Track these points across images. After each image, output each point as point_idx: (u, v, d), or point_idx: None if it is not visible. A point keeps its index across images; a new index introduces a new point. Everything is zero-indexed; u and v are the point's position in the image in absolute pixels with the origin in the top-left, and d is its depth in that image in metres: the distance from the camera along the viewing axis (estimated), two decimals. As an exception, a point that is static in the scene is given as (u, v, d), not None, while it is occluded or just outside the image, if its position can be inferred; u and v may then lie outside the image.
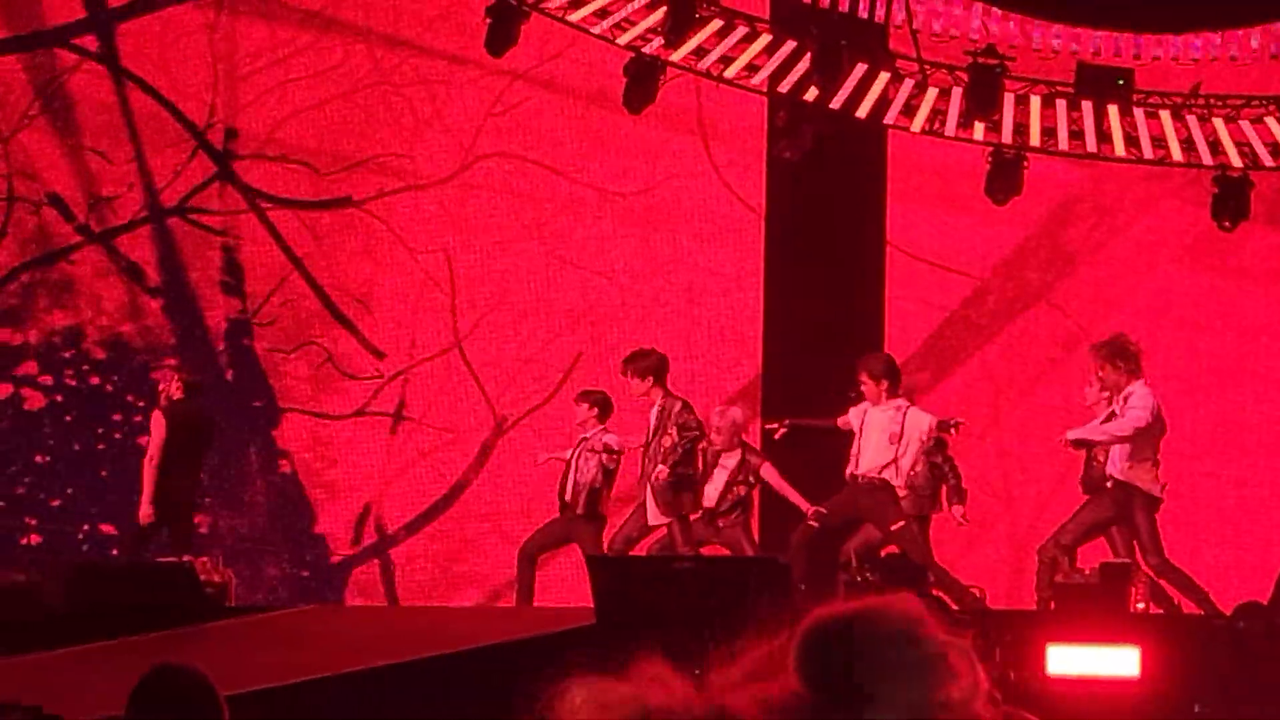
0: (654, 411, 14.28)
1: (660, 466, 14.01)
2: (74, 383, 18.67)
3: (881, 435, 13.89)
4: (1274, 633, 12.27)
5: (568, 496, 14.45)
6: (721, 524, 14.33)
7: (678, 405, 14.26)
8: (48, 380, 18.65)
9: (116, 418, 18.61)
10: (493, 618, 14.36)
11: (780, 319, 17.02)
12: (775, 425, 14.65)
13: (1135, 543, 13.66)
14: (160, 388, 15.41)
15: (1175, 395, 15.63)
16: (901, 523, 13.81)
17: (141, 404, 17.98)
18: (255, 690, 10.36)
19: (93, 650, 12.21)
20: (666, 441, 14.11)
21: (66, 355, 18.67)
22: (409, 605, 17.59)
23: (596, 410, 14.55)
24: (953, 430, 14.27)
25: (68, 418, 18.62)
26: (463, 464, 18.33)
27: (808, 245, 16.86)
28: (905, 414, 13.93)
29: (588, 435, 14.52)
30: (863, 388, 14.02)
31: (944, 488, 14.26)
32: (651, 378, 14.26)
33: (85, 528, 18.26)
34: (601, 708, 1.30)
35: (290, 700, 11.32)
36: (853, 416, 14.05)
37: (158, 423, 15.13)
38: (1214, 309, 17.81)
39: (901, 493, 13.91)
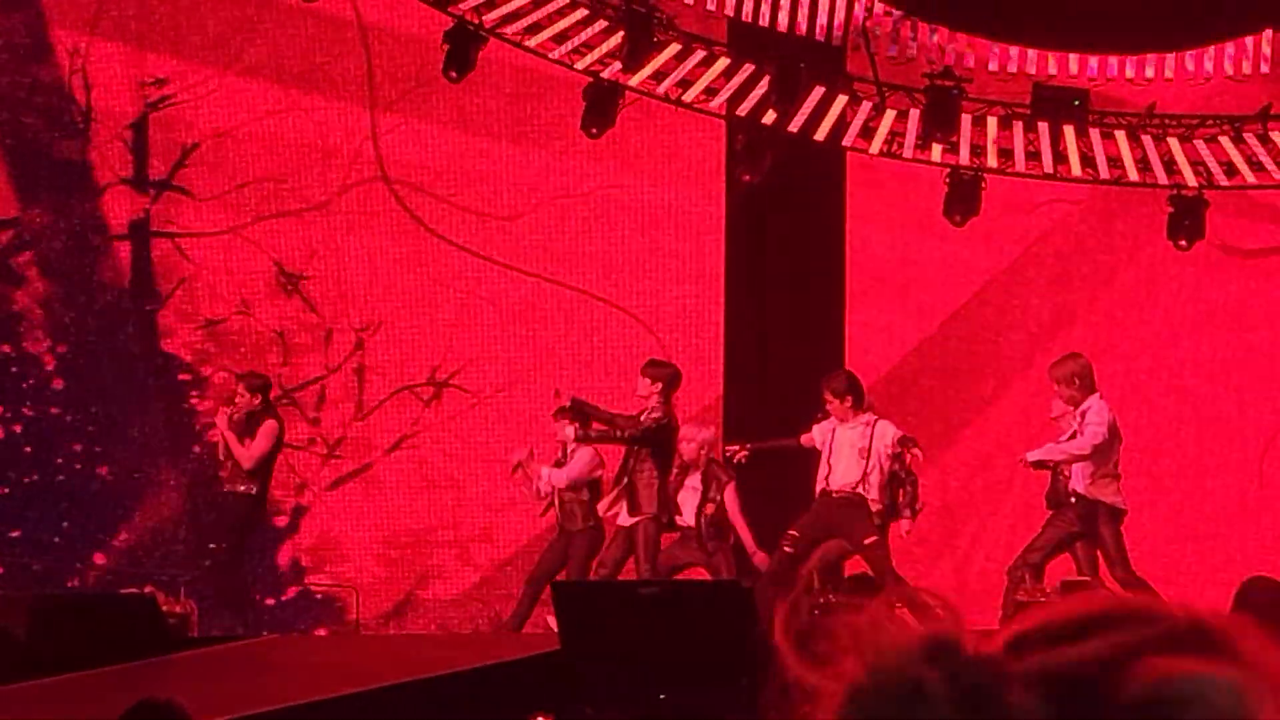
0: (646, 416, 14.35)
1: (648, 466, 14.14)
2: (31, 413, 18.59)
3: (852, 451, 13.94)
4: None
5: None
6: (711, 548, 14.32)
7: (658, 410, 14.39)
8: (4, 411, 18.58)
9: (77, 448, 18.53)
10: (457, 644, 14.33)
11: (741, 339, 17.04)
12: (736, 448, 14.66)
13: (1101, 557, 13.72)
14: (238, 400, 15.13)
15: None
16: (874, 538, 13.83)
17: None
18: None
19: (54, 684, 12.14)
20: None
21: (24, 385, 18.59)
22: (371, 634, 17.53)
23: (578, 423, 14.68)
24: (916, 451, 14.30)
25: (26, 449, 18.54)
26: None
27: (768, 265, 16.89)
28: (873, 428, 13.99)
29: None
30: (828, 406, 14.08)
31: (900, 494, 14.26)
32: (661, 385, 14.38)
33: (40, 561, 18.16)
34: (899, 648, 1.20)
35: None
36: (817, 434, 14.09)
37: (269, 432, 14.93)
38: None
39: (875, 506, 13.95)
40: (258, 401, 15.12)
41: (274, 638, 15.87)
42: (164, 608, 14.80)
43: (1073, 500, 13.75)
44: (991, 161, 16.06)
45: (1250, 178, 16.01)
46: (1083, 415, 13.71)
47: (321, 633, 17.77)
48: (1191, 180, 15.88)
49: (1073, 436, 13.78)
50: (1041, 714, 1.19)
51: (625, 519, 14.33)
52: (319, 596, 18.40)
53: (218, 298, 18.59)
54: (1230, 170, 15.95)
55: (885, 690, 1.20)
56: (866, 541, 13.81)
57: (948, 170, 15.99)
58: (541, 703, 11.03)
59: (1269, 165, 15.91)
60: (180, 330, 18.66)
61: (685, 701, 11.16)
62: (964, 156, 15.98)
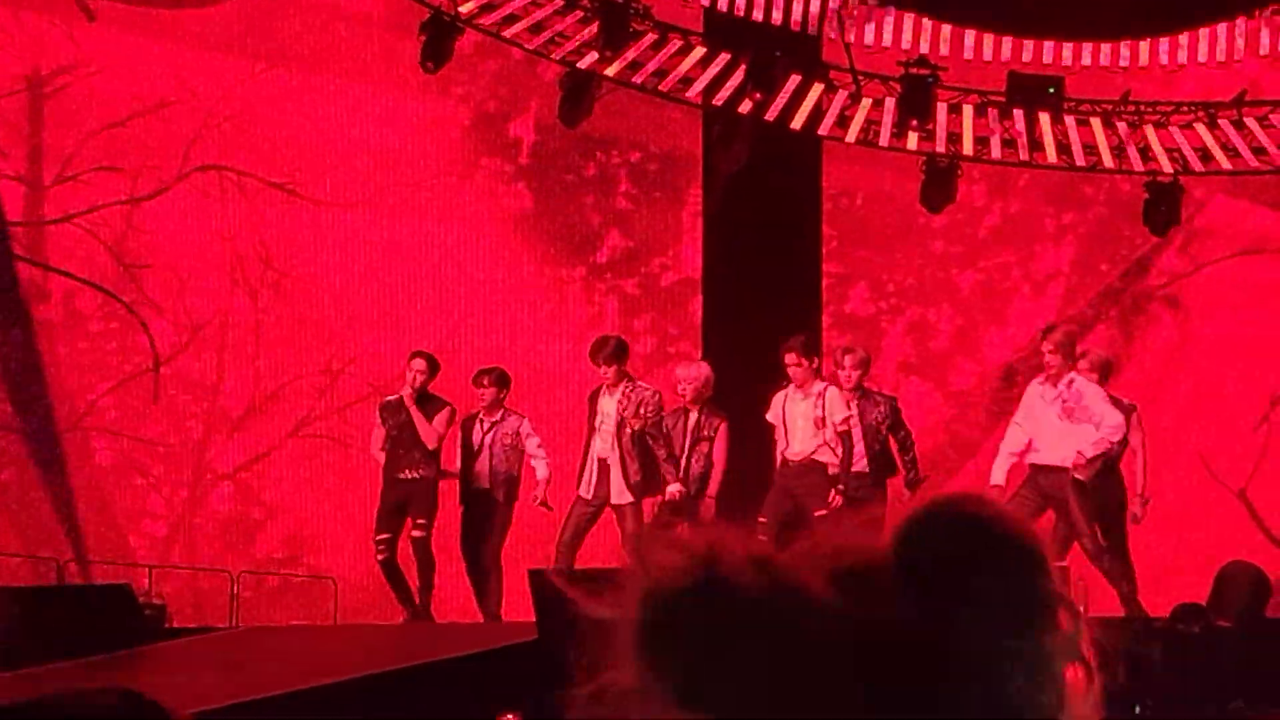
0: (617, 395, 14.23)
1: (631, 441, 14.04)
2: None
3: (806, 422, 13.87)
4: (1211, 634, 12.35)
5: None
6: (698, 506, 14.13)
7: (648, 392, 14.28)
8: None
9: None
10: (435, 634, 14.32)
11: (720, 325, 17.03)
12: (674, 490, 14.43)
13: (1070, 535, 13.65)
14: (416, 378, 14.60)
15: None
16: (826, 511, 13.67)
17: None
18: (198, 712, 10.30)
19: (31, 675, 12.12)
20: (637, 425, 14.11)
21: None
22: (348, 623, 17.52)
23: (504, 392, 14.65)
24: (849, 358, 14.11)
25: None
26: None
27: (746, 254, 16.89)
28: (824, 396, 13.89)
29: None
30: (790, 370, 13.93)
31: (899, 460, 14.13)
32: (615, 364, 14.26)
33: None
34: (680, 554, 1.20)
35: (232, 721, 11.27)
36: (773, 408, 14.02)
37: (447, 414, 14.53)
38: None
39: (833, 470, 13.80)
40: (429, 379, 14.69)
41: (251, 628, 15.85)
42: (140, 599, 14.79)
43: (1037, 473, 13.66)
44: (967, 149, 16.07)
45: (1225, 164, 16.04)
46: (1070, 385, 13.62)
47: (299, 623, 17.75)
48: (1167, 167, 15.91)
49: (1056, 400, 13.62)
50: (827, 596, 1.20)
51: (620, 497, 14.22)
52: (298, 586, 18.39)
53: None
54: (1205, 156, 15.98)
55: (669, 592, 1.20)
56: (817, 513, 13.64)
57: (924, 158, 16.00)
58: (519, 692, 11.02)
59: (1244, 151, 15.95)
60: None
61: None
62: (940, 144, 15.99)
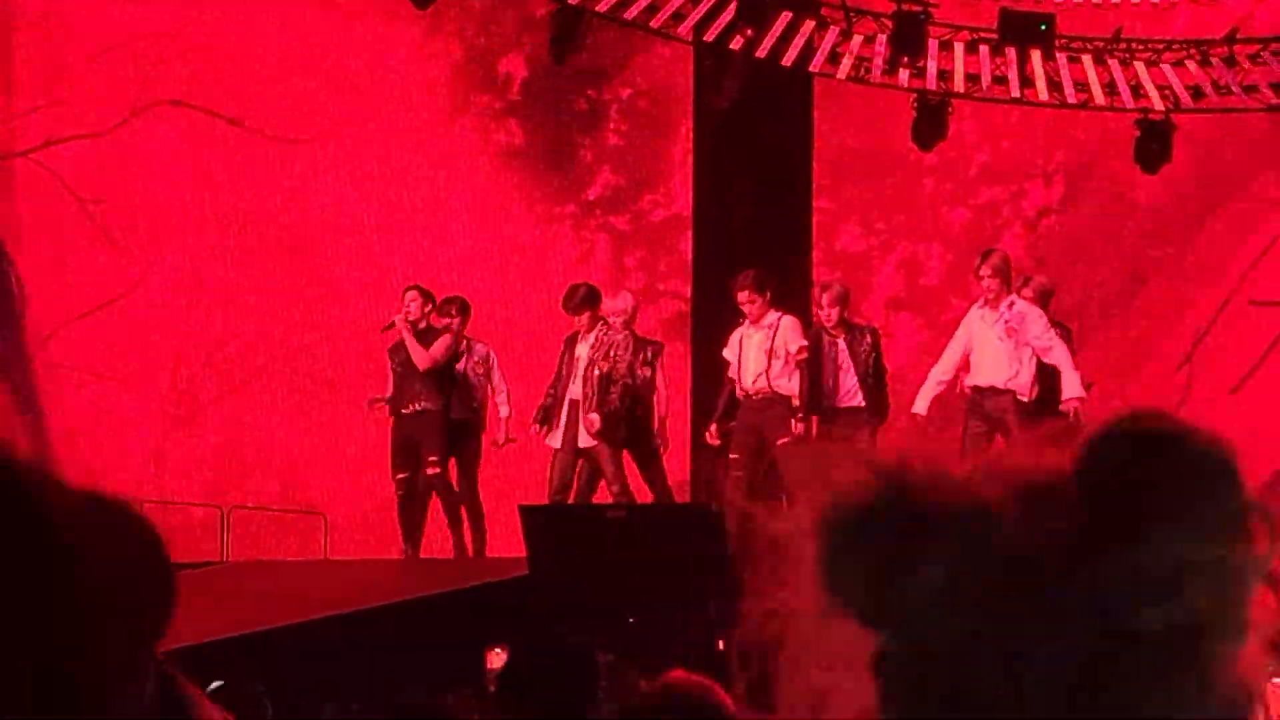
0: (590, 340, 14.24)
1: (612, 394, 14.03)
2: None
3: (759, 352, 13.89)
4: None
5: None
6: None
7: (619, 335, 14.26)
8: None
9: None
10: (426, 569, 14.36)
11: (710, 262, 16.95)
12: (710, 434, 14.36)
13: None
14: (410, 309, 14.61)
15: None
16: (787, 439, 13.65)
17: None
18: (185, 646, 10.34)
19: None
20: (606, 367, 14.11)
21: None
22: (340, 559, 17.56)
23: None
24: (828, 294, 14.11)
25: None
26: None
27: (737, 191, 16.86)
28: (777, 327, 13.90)
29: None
30: (745, 308, 13.93)
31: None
32: (586, 310, 14.29)
33: None
34: (866, 468, 1.19)
35: (222, 656, 11.30)
36: (730, 346, 14.03)
37: (447, 342, 14.46)
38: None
39: (795, 403, 13.81)
40: (429, 310, 14.65)
41: (239, 563, 15.88)
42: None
43: (985, 395, 13.63)
44: (958, 86, 16.04)
45: (1217, 101, 16.02)
46: (1011, 306, 13.66)
47: (290, 559, 17.79)
48: (1158, 104, 15.88)
49: (998, 322, 13.62)
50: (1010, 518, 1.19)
51: (585, 440, 14.27)
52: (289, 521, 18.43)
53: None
54: (1197, 94, 15.96)
55: (858, 516, 1.18)
56: (780, 442, 13.64)
57: (915, 95, 15.96)
58: (509, 626, 11.06)
59: (1235, 89, 15.92)
60: None
61: (653, 624, 11.20)
62: (930, 81, 15.96)
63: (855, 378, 14.02)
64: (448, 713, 3.58)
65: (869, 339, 14.17)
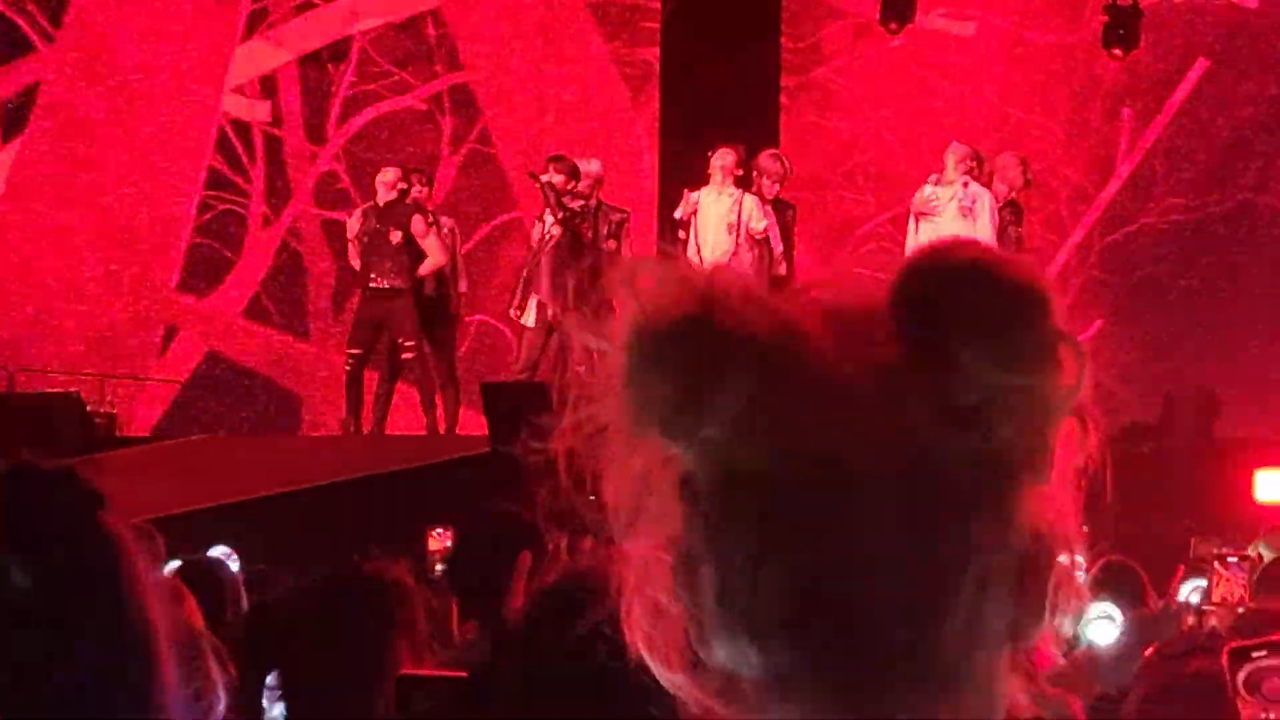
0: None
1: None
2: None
3: (720, 224, 13.75)
4: (1161, 456, 12.45)
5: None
6: None
7: (577, 203, 14.08)
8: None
9: None
10: (388, 444, 14.35)
11: (675, 133, 16.76)
12: None
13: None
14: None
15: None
16: None
17: None
18: (146, 520, 10.33)
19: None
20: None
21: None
22: (303, 434, 17.56)
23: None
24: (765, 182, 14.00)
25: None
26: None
27: (702, 61, 16.60)
28: (740, 202, 13.78)
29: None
30: (723, 174, 13.74)
31: None
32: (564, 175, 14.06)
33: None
34: (676, 284, 1.18)
35: (182, 529, 11.32)
36: (684, 205, 13.79)
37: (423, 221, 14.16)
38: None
39: None
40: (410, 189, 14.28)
41: (202, 438, 15.87)
42: (90, 407, 14.78)
43: None
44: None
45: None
46: (974, 198, 13.72)
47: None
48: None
49: (961, 208, 13.66)
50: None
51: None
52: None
53: None
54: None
55: (669, 325, 1.17)
56: None
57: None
58: (472, 502, 11.06)
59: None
60: None
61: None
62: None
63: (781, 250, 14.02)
64: (396, 576, 3.60)
65: (790, 213, 14.22)
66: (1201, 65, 17.88)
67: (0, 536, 1.62)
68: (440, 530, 8.41)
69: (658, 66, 17.59)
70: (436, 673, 3.35)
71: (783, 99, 17.35)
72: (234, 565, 7.54)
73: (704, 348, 1.16)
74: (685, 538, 1.19)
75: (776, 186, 14.05)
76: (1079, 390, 1.19)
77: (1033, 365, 1.17)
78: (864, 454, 1.15)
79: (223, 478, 13.07)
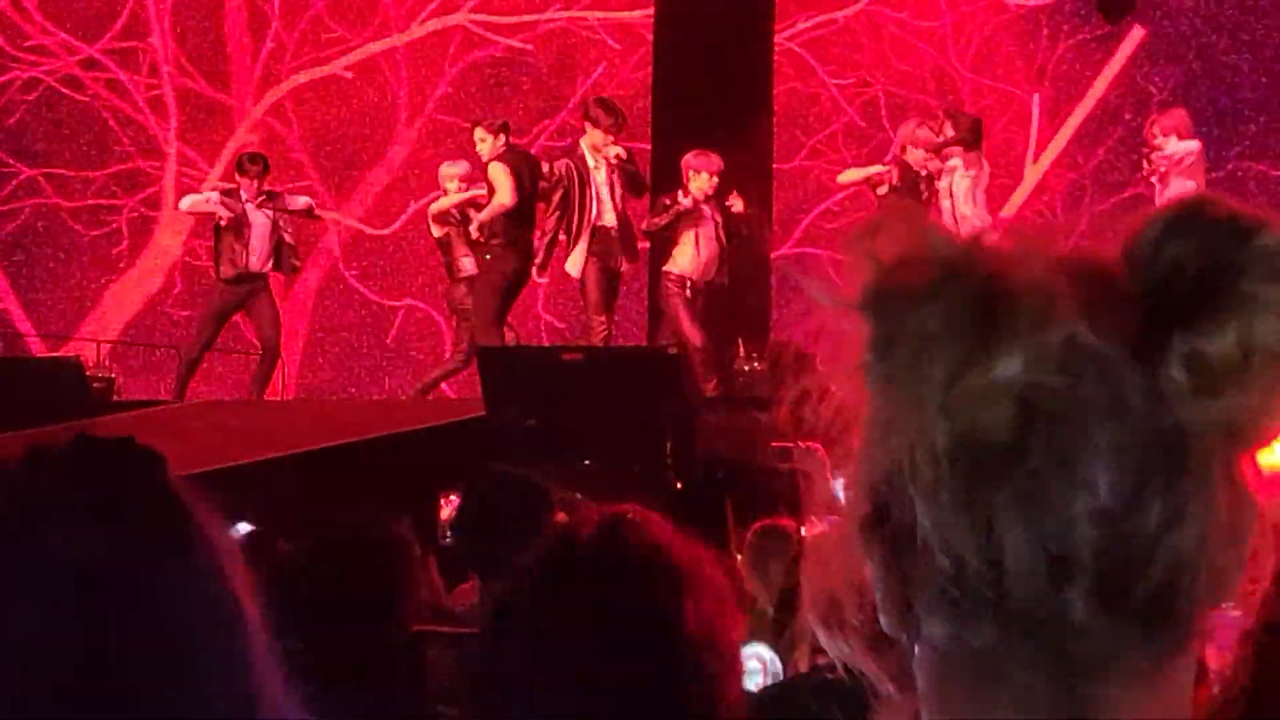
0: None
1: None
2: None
3: (709, 241, 13.66)
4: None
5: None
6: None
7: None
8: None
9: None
10: (383, 410, 14.35)
11: (670, 106, 16.70)
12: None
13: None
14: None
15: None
16: None
17: None
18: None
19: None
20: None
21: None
22: (299, 399, 17.57)
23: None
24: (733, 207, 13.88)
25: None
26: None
27: (697, 52, 16.54)
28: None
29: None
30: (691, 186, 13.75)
31: None
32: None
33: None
34: (924, 244, 1.14)
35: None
36: (673, 210, 13.75)
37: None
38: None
39: None
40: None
41: (198, 403, 15.86)
42: (89, 371, 14.80)
43: None
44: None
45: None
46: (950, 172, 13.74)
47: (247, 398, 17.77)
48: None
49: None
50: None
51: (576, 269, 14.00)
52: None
53: None
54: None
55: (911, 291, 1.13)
56: None
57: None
58: (466, 467, 11.09)
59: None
60: None
61: (610, 467, 11.23)
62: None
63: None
64: (401, 534, 3.61)
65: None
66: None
67: (74, 509, 1.59)
68: (454, 497, 8.40)
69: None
70: (449, 629, 3.36)
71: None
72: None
73: (970, 327, 1.13)
74: (914, 511, 1.15)
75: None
76: None
77: None
78: (1110, 420, 1.13)
79: (218, 442, 13.07)
